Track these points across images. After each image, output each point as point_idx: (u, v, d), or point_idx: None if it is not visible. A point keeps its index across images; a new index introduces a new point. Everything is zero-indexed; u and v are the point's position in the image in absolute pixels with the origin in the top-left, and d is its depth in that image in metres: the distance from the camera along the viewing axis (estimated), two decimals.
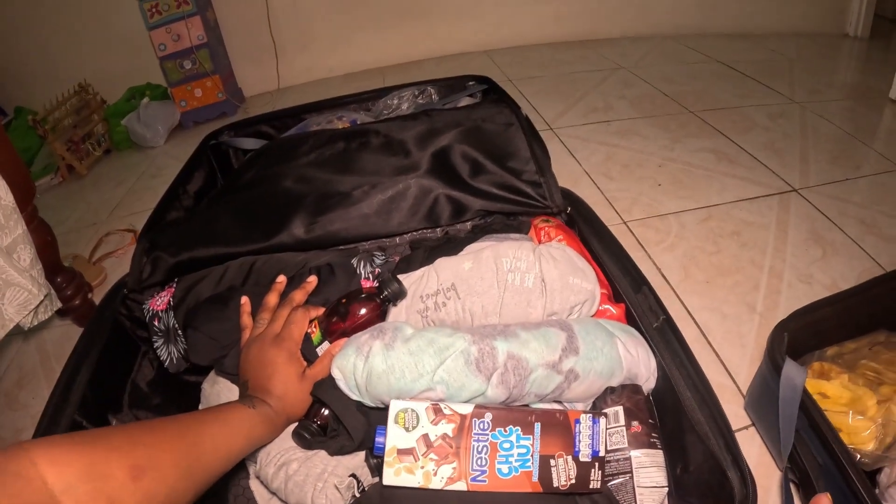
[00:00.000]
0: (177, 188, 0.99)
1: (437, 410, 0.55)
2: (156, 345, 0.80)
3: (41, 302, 1.00)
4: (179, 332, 0.78)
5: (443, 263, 0.67)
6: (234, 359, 0.71)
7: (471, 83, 1.08)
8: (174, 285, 0.81)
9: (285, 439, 0.63)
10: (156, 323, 0.80)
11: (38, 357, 1.23)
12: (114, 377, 0.82)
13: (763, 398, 0.71)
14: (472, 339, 0.58)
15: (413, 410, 0.54)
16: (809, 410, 0.64)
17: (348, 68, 2.47)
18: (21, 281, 0.94)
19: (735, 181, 1.28)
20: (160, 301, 0.81)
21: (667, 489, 0.61)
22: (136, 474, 0.42)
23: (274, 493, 0.66)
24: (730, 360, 0.83)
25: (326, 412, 0.62)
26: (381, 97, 1.08)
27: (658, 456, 0.62)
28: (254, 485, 0.70)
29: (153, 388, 0.87)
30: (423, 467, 0.54)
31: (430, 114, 0.92)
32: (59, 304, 1.07)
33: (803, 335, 0.74)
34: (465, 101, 1.05)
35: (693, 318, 0.92)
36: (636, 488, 0.60)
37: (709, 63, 2.01)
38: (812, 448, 0.65)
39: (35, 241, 1.00)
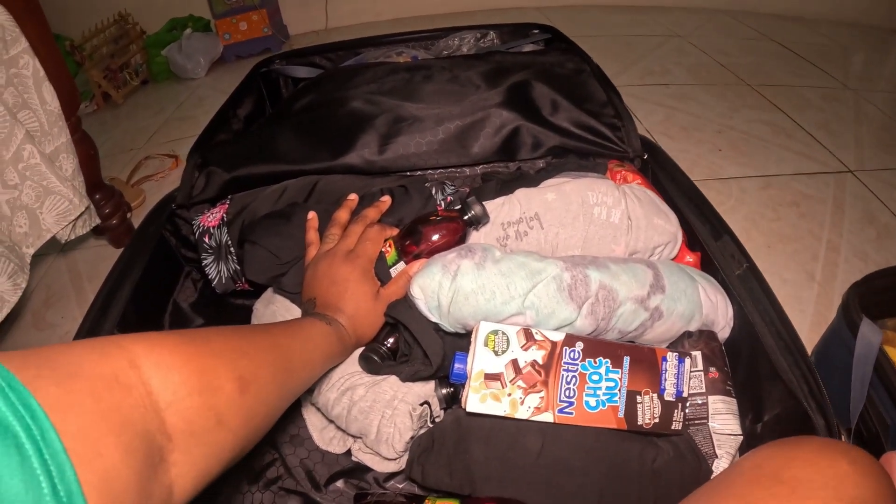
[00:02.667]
0: (227, 111, 0.90)
1: (529, 335, 0.48)
2: (205, 262, 0.72)
3: (81, 215, 0.91)
4: (232, 249, 0.71)
5: (525, 193, 0.60)
6: (295, 276, 0.63)
7: (535, 31, 0.99)
8: (227, 202, 0.73)
9: (349, 364, 0.56)
10: (206, 239, 0.72)
11: (68, 277, 1.14)
12: (155, 295, 0.75)
13: (830, 359, 0.65)
14: (565, 266, 0.51)
15: (504, 333, 0.48)
16: (885, 369, 0.58)
17: (397, 13, 2.32)
18: (62, 189, 0.85)
19: (792, 155, 1.23)
20: (212, 217, 0.73)
21: (741, 438, 0.55)
22: (242, 387, 0.33)
23: (331, 421, 0.59)
24: None
25: (394, 338, 0.55)
26: (441, 38, 0.98)
27: (733, 404, 0.56)
28: (306, 413, 0.63)
29: (195, 309, 0.79)
30: (510, 395, 0.47)
31: (494, 55, 0.84)
32: (97, 221, 0.98)
33: (867, 303, 0.68)
34: (528, 49, 0.96)
35: None
36: (712, 434, 0.54)
37: (763, 41, 1.92)
38: (882, 408, 0.59)
39: (78, 153, 0.91)
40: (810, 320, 0.80)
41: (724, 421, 0.55)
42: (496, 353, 0.47)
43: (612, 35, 1.98)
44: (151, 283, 0.72)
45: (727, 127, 1.36)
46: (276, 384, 0.38)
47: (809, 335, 0.77)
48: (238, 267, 0.71)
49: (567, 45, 0.89)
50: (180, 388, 0.29)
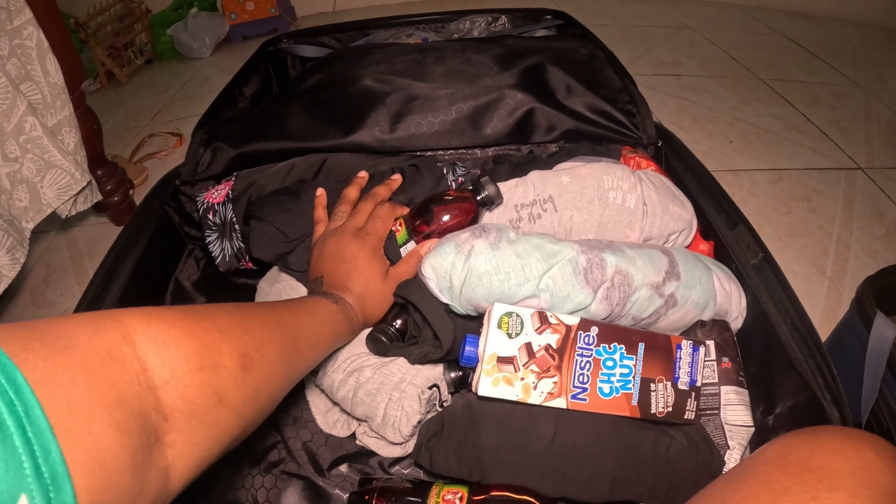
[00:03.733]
0: (233, 88, 0.87)
1: (543, 318, 0.46)
2: (208, 240, 0.70)
3: (82, 190, 0.88)
4: (236, 226, 0.68)
5: (539, 175, 0.58)
6: (302, 254, 0.61)
7: (547, 17, 0.96)
8: (232, 179, 0.70)
9: (356, 344, 0.54)
10: (210, 216, 0.70)
11: (68, 254, 1.12)
12: (157, 271, 0.73)
13: (842, 353, 0.64)
14: (581, 249, 0.49)
15: (518, 315, 0.46)
16: None
17: None
18: (64, 163, 0.82)
19: (804, 150, 1.23)
20: (217, 194, 0.70)
21: (753, 430, 0.53)
22: (245, 365, 0.31)
23: (336, 404, 0.57)
24: None
25: (402, 319, 0.53)
26: (452, 20, 0.96)
27: (745, 395, 0.54)
28: (310, 395, 0.61)
29: (198, 287, 0.77)
30: (522, 379, 0.45)
31: (507, 39, 0.82)
32: (99, 197, 0.95)
33: (881, 298, 0.66)
34: (540, 34, 0.94)
35: None
36: (724, 425, 0.52)
37: (774, 36, 1.90)
38: (894, 403, 0.58)
39: (81, 128, 0.88)
40: (820, 315, 0.79)
41: (735, 412, 0.53)
42: (510, 336, 0.45)
43: (623, 25, 1.95)
44: (153, 260, 0.70)
45: (738, 120, 1.35)
46: (281, 363, 0.36)
47: (819, 330, 0.76)
48: (242, 245, 0.69)
49: (580, 31, 0.86)
50: (179, 365, 0.27)
